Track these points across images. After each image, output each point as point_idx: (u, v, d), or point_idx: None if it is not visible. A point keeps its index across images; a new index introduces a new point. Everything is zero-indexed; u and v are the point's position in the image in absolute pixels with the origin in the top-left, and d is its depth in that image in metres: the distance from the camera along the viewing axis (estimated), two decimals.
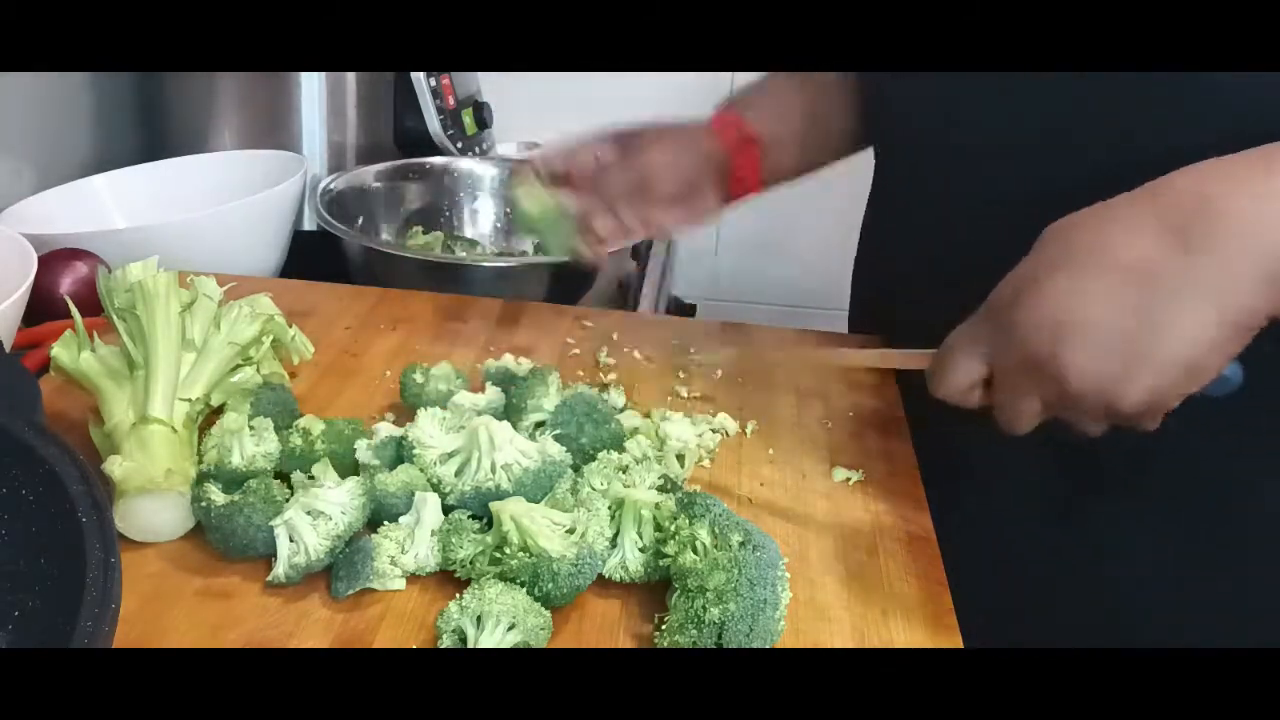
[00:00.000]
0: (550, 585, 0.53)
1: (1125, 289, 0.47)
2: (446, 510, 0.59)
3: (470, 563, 0.55)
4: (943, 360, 0.56)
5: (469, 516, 0.58)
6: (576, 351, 0.83)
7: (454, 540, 0.56)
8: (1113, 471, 0.69)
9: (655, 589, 0.58)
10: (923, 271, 0.76)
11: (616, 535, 0.58)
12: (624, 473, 0.61)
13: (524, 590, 0.54)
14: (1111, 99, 0.61)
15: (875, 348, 0.79)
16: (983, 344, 0.53)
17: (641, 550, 0.57)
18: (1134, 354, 0.47)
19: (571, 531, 0.55)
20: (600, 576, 0.56)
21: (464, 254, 1.20)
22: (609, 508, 0.58)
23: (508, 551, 0.54)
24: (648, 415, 0.71)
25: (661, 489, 0.61)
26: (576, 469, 0.63)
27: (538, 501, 0.58)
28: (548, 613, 0.53)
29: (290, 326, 0.74)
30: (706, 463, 0.69)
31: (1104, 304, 0.48)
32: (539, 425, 0.66)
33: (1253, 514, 0.66)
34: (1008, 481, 0.74)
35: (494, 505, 0.56)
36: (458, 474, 0.60)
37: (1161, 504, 0.68)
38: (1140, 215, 0.48)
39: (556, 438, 0.64)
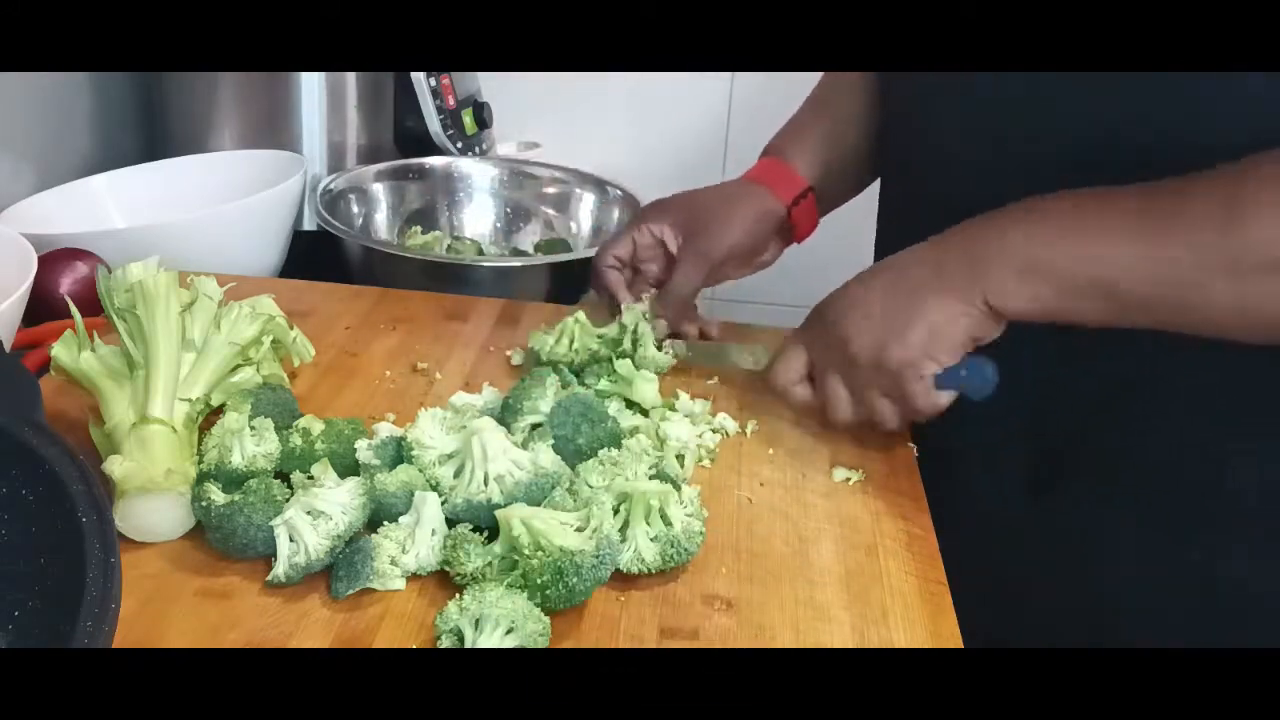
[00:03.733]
0: (575, 580, 0.53)
1: (891, 290, 0.65)
2: (446, 514, 0.59)
3: (480, 574, 0.55)
4: (776, 356, 0.73)
5: (471, 529, 0.58)
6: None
7: (460, 554, 0.56)
8: (1086, 460, 0.70)
9: (656, 593, 0.58)
10: None
11: (623, 530, 0.58)
12: (615, 467, 0.61)
13: (538, 593, 0.53)
14: (1125, 116, 0.63)
15: None
16: (803, 336, 0.71)
17: (654, 540, 0.57)
18: (889, 324, 0.64)
19: (582, 529, 0.55)
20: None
21: (464, 253, 1.20)
22: (613, 503, 0.58)
23: (526, 554, 0.54)
24: (645, 414, 0.71)
25: (653, 479, 0.61)
26: (573, 468, 0.63)
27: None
28: (546, 619, 0.53)
29: (292, 328, 0.74)
30: (706, 463, 0.69)
31: (876, 292, 0.66)
32: (535, 426, 0.66)
33: (1225, 493, 0.67)
34: (984, 474, 0.76)
35: (500, 513, 0.56)
36: (456, 476, 0.60)
37: (1134, 489, 0.69)
38: (911, 253, 0.66)
39: (555, 439, 0.64)
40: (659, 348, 0.79)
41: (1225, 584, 0.68)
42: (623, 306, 0.81)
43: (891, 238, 0.84)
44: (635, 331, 0.79)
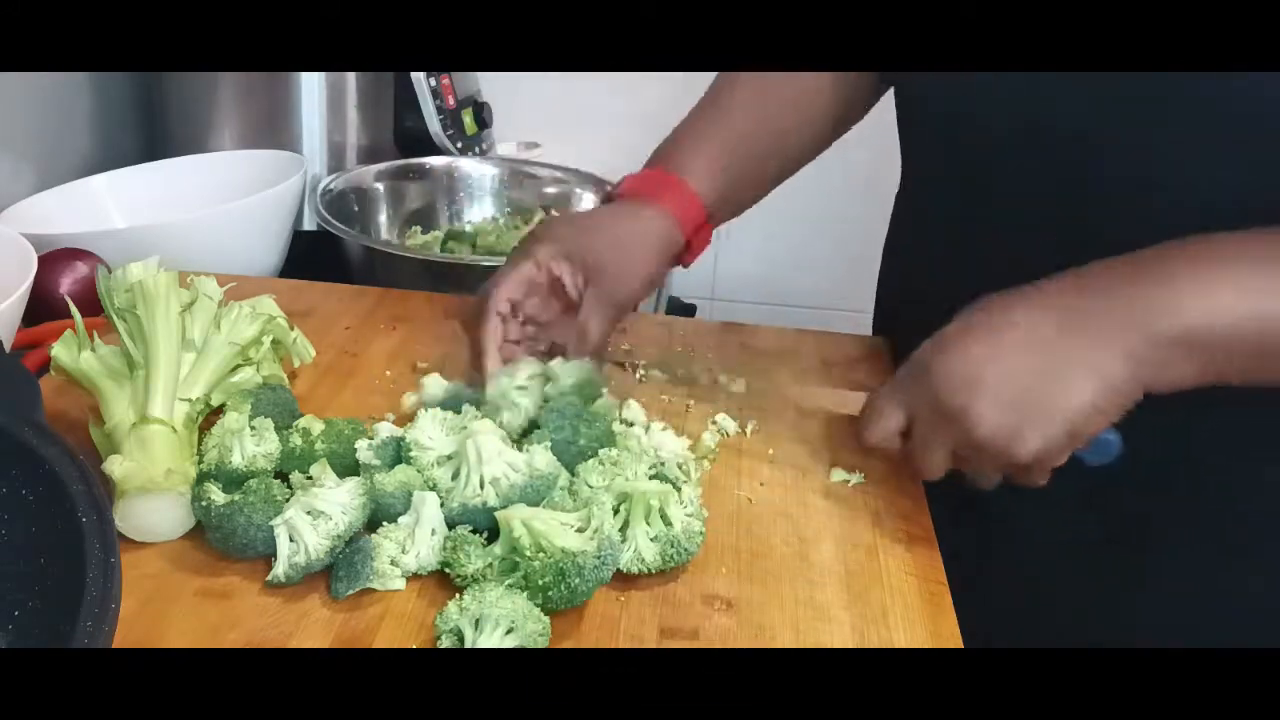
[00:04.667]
0: (577, 580, 0.53)
1: (1026, 357, 0.56)
2: (444, 517, 0.59)
3: (481, 575, 0.55)
4: (870, 408, 0.64)
5: (471, 530, 0.58)
6: None
7: (460, 556, 0.56)
8: (1134, 475, 0.68)
9: (656, 593, 0.58)
10: (949, 276, 0.73)
11: (623, 530, 0.58)
12: (615, 467, 0.61)
13: (540, 594, 0.53)
14: (1138, 101, 0.60)
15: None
16: (904, 395, 0.62)
17: (654, 540, 0.57)
18: (1029, 411, 0.56)
19: (582, 529, 0.55)
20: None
21: (464, 253, 1.20)
22: (613, 504, 0.58)
23: (527, 555, 0.54)
24: (630, 425, 0.69)
25: (652, 478, 0.61)
26: (573, 470, 0.62)
27: None
28: (546, 619, 0.53)
29: (292, 329, 0.74)
30: (707, 463, 0.69)
31: (1007, 368, 0.56)
32: (534, 428, 0.66)
33: (1251, 510, 0.66)
34: (1033, 523, 0.73)
35: (500, 514, 0.56)
36: (454, 477, 0.60)
37: (1184, 505, 0.67)
38: (1045, 299, 0.57)
39: (553, 442, 0.64)
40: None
41: (1250, 595, 0.67)
42: (494, 375, 0.69)
43: (933, 249, 0.79)
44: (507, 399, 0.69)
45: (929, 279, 0.79)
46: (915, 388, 0.60)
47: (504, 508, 0.57)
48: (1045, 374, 0.55)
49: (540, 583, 0.53)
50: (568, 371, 0.70)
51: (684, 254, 0.77)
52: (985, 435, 0.57)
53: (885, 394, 0.63)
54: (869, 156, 0.90)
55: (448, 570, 0.56)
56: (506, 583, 0.54)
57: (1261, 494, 0.66)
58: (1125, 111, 0.61)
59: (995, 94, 0.67)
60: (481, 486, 0.59)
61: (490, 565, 0.55)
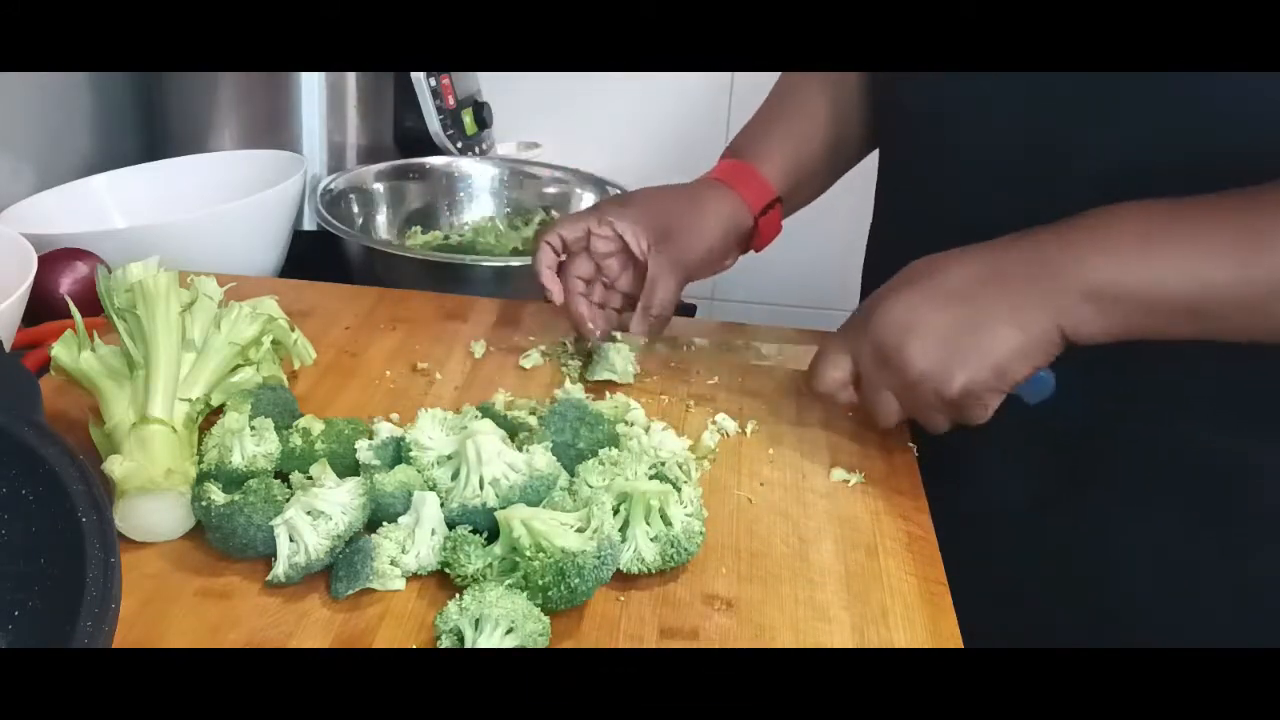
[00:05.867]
0: (576, 580, 0.53)
1: (955, 306, 0.61)
2: (445, 516, 0.59)
3: (481, 575, 0.55)
4: (817, 360, 0.69)
5: (470, 530, 0.58)
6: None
7: (460, 556, 0.55)
8: (1105, 458, 0.69)
9: (656, 593, 0.58)
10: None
11: (623, 529, 0.58)
12: (615, 467, 0.61)
13: (540, 594, 0.53)
14: (1115, 99, 0.62)
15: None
16: (849, 342, 0.67)
17: (654, 540, 0.57)
18: (955, 352, 0.61)
19: (582, 530, 0.55)
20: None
21: (464, 252, 1.20)
22: (613, 503, 0.58)
23: (527, 555, 0.54)
24: (630, 424, 0.69)
25: (652, 478, 0.61)
26: (573, 471, 0.62)
27: None
28: (546, 618, 0.53)
29: (293, 331, 0.74)
30: (706, 463, 0.69)
31: (935, 314, 0.61)
32: (533, 428, 0.66)
33: (1251, 492, 0.66)
34: (996, 479, 0.75)
35: (500, 514, 0.56)
36: (454, 477, 0.60)
37: (1156, 488, 0.68)
38: (977, 255, 0.62)
39: (554, 444, 0.64)
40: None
41: (1255, 585, 0.67)
42: (595, 345, 0.79)
43: (898, 246, 0.81)
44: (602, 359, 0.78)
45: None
46: (858, 335, 0.65)
47: (504, 508, 0.57)
48: (972, 320, 0.60)
49: (540, 583, 0.53)
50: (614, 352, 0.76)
51: (753, 237, 0.83)
52: (918, 373, 0.62)
53: (832, 343, 0.68)
54: (869, 157, 0.91)
55: (448, 570, 0.56)
56: (507, 583, 0.54)
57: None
58: (1103, 115, 0.63)
59: (968, 98, 0.69)
60: (481, 487, 0.59)
61: (490, 565, 0.55)
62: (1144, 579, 0.70)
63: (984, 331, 0.60)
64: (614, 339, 0.80)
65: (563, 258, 0.80)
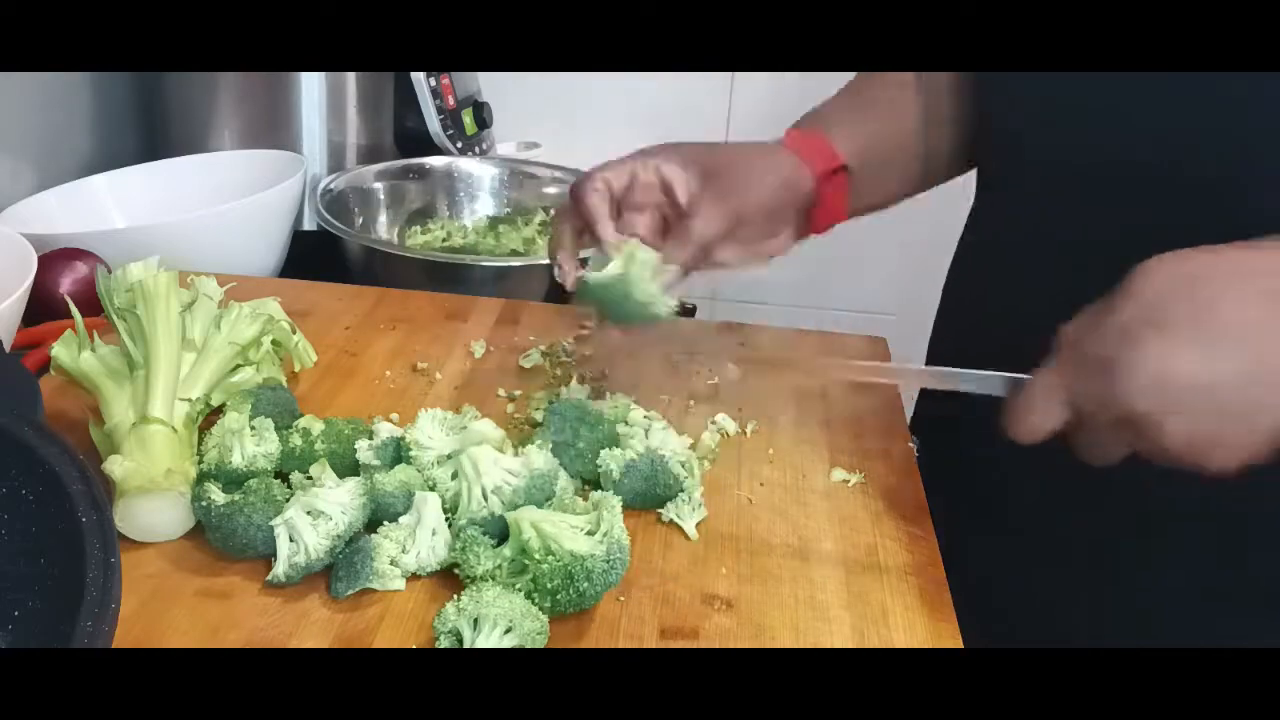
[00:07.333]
0: (585, 584, 0.53)
1: (1230, 354, 0.47)
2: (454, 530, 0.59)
3: (490, 577, 0.55)
4: (1026, 404, 0.53)
5: (482, 532, 0.58)
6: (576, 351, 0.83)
7: (470, 557, 0.55)
8: (1130, 465, 0.67)
9: (657, 593, 0.58)
10: (1017, 309, 0.67)
11: None
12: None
13: (548, 597, 0.53)
14: (1235, 132, 0.56)
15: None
16: (1068, 391, 0.52)
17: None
18: (1232, 422, 0.48)
19: (592, 533, 0.55)
20: None
21: (464, 252, 1.20)
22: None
23: (536, 558, 0.54)
24: (627, 424, 0.69)
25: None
26: (584, 479, 0.63)
27: None
28: (544, 618, 0.53)
29: (295, 333, 0.74)
30: (707, 463, 0.69)
31: (1208, 370, 0.47)
32: (535, 425, 0.66)
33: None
34: (997, 478, 0.73)
35: (510, 515, 0.56)
36: (454, 477, 0.60)
37: (1183, 496, 0.66)
38: (1245, 275, 0.49)
39: (554, 444, 0.64)
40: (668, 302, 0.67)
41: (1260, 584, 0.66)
42: (611, 245, 0.66)
43: (981, 253, 0.76)
44: (629, 271, 0.65)
45: (990, 313, 0.75)
46: (1087, 387, 0.51)
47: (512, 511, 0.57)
48: (1251, 377, 0.47)
49: (549, 586, 0.53)
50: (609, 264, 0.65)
51: (812, 210, 0.72)
52: (1179, 448, 0.49)
53: (1045, 386, 0.53)
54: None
55: (458, 572, 0.56)
56: (516, 586, 0.54)
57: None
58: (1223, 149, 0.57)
59: (1084, 126, 0.63)
60: (485, 498, 0.59)
61: (500, 567, 0.55)
62: (1150, 578, 0.70)
63: (1272, 389, 0.48)
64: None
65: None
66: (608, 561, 0.53)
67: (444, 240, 1.26)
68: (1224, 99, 0.58)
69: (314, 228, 1.14)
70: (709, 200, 0.67)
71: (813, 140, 0.72)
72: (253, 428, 0.62)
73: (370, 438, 0.64)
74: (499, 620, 0.51)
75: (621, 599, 0.57)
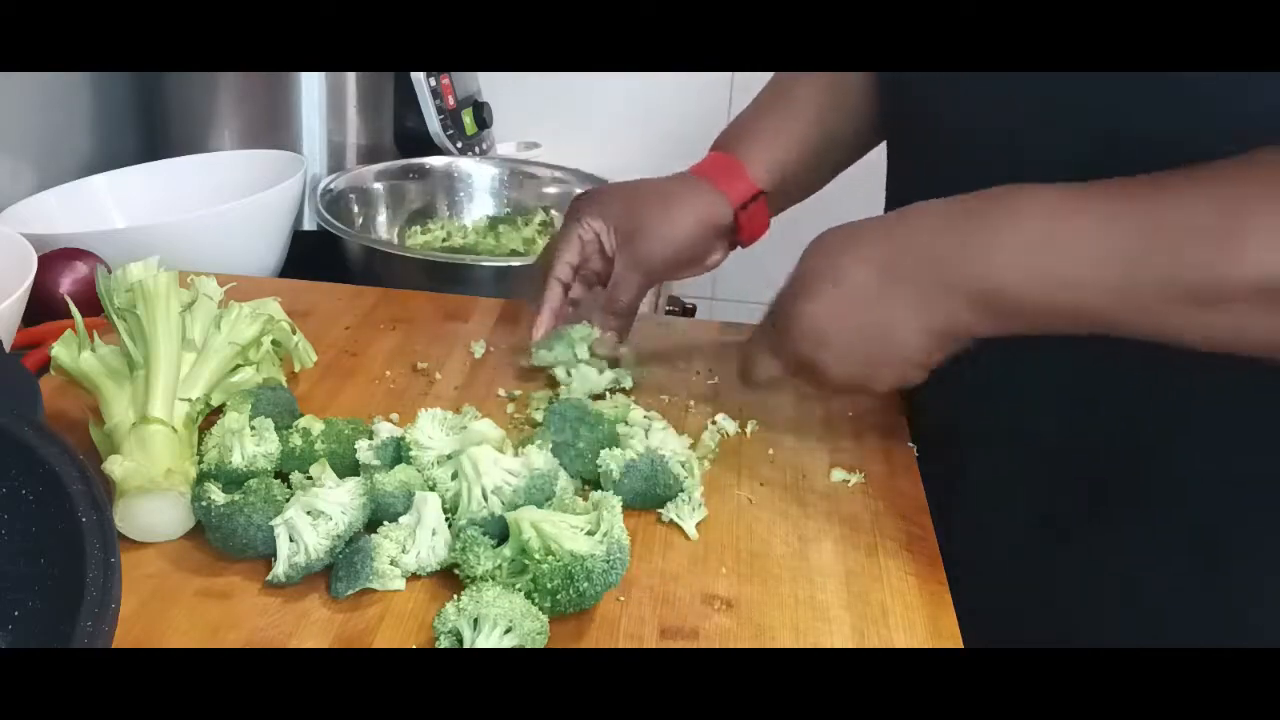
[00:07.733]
0: (585, 584, 0.53)
1: (855, 313, 0.61)
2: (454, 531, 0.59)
3: (490, 576, 0.55)
4: (745, 361, 0.69)
5: (482, 532, 0.58)
6: None
7: (470, 557, 0.55)
8: (1117, 491, 0.68)
9: (657, 593, 0.58)
10: None
11: None
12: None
13: (548, 597, 0.53)
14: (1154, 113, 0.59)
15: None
16: (769, 342, 0.66)
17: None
18: (869, 362, 0.62)
19: (592, 533, 0.55)
20: None
21: (464, 252, 1.20)
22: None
23: (536, 558, 0.54)
24: (627, 424, 0.69)
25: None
26: (584, 479, 0.63)
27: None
28: (544, 617, 0.53)
29: (295, 334, 0.74)
30: (707, 463, 0.69)
31: (841, 326, 0.61)
32: (535, 425, 0.66)
33: (1249, 525, 0.66)
34: (1008, 501, 0.73)
35: (510, 515, 0.56)
36: (454, 477, 0.60)
37: (1173, 522, 0.67)
38: (873, 253, 0.61)
39: (554, 445, 0.63)
40: (611, 364, 0.77)
41: (1255, 621, 0.66)
42: (562, 329, 0.77)
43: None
44: (572, 349, 0.77)
45: None
46: (776, 337, 0.65)
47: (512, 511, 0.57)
48: (878, 327, 0.60)
49: (549, 586, 0.53)
50: (580, 381, 0.75)
51: (736, 232, 0.81)
52: (841, 380, 0.63)
53: (755, 342, 0.68)
54: (868, 157, 0.90)
55: (458, 572, 0.56)
56: (516, 586, 0.54)
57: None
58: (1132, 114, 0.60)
59: (981, 93, 0.67)
60: (485, 498, 0.59)
61: (500, 567, 0.55)
62: (1149, 578, 0.70)
63: (891, 339, 0.60)
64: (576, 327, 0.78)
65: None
66: (608, 561, 0.53)
67: (444, 240, 1.26)
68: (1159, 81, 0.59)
69: (314, 228, 1.14)
70: (626, 265, 0.77)
71: (730, 168, 0.80)
72: (253, 428, 0.62)
73: (370, 438, 0.64)
74: (499, 620, 0.51)
75: (621, 599, 0.57)
